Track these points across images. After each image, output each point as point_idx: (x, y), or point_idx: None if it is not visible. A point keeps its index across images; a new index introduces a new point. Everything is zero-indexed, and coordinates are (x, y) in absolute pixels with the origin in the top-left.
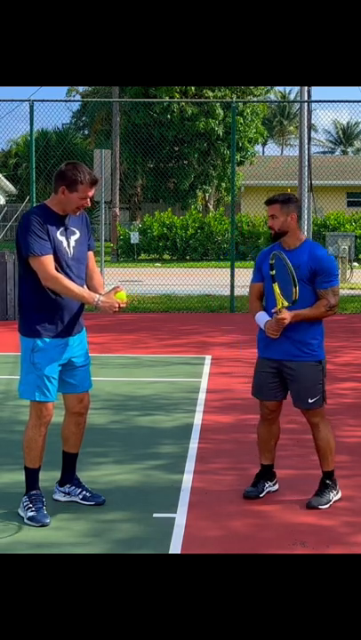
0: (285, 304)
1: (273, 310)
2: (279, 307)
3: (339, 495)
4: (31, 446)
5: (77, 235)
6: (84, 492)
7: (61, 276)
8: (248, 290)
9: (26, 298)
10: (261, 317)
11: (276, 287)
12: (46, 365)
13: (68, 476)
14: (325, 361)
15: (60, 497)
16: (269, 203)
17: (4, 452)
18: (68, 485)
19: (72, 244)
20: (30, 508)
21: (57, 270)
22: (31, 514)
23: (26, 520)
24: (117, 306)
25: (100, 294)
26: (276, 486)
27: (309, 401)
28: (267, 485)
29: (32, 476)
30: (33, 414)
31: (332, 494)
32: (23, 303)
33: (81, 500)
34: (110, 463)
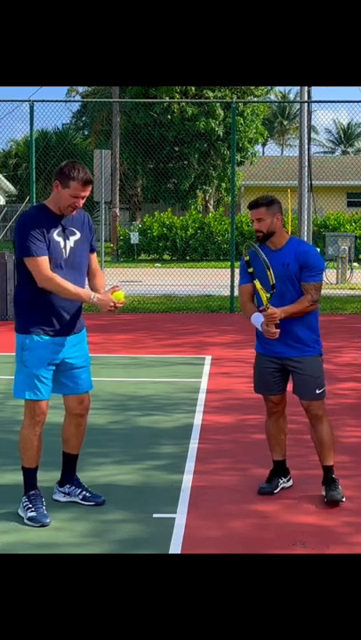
0: (267, 295)
1: (260, 309)
2: (264, 301)
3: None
4: (26, 446)
5: (77, 235)
6: (84, 493)
7: (56, 276)
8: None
9: (21, 296)
10: (257, 318)
11: (257, 283)
12: (35, 364)
13: (68, 477)
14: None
15: (59, 497)
16: (253, 207)
17: (4, 452)
18: (67, 486)
19: (70, 244)
20: (30, 508)
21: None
22: (31, 514)
23: (26, 520)
24: (113, 305)
25: (97, 293)
26: (290, 482)
27: (317, 392)
28: (281, 481)
29: (30, 476)
30: (27, 414)
31: (340, 486)
32: (18, 301)
33: (81, 500)
34: (110, 463)
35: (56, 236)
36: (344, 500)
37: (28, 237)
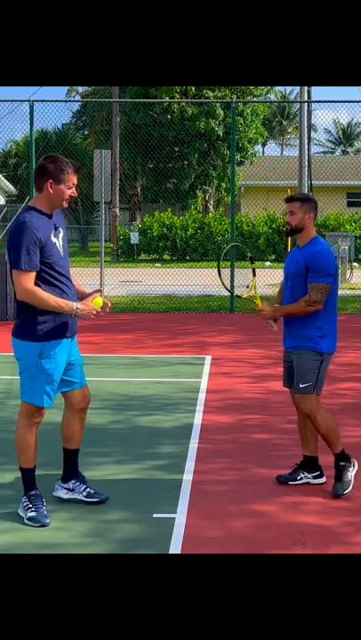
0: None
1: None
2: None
3: (356, 468)
4: (24, 447)
5: (62, 232)
6: (89, 489)
7: (38, 289)
8: (248, 290)
9: (27, 304)
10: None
11: (253, 281)
12: (57, 370)
13: (73, 473)
14: (329, 356)
15: (62, 494)
16: (289, 200)
17: (4, 452)
18: (73, 481)
19: (61, 242)
20: (30, 508)
21: (50, 273)
22: (31, 514)
23: (26, 520)
24: (96, 312)
25: (77, 303)
26: (320, 480)
27: (300, 385)
28: (303, 475)
29: (28, 476)
30: (24, 415)
31: (349, 472)
32: (25, 308)
33: (85, 496)
34: (110, 463)
35: (52, 237)
36: (345, 493)
37: (24, 249)
